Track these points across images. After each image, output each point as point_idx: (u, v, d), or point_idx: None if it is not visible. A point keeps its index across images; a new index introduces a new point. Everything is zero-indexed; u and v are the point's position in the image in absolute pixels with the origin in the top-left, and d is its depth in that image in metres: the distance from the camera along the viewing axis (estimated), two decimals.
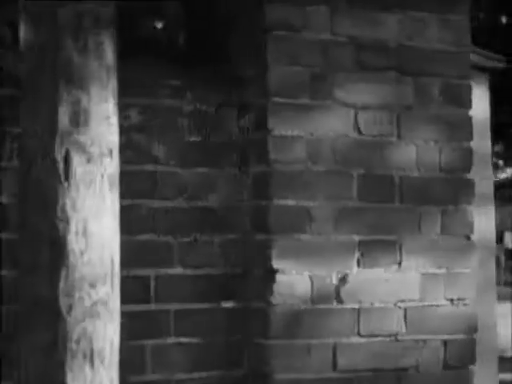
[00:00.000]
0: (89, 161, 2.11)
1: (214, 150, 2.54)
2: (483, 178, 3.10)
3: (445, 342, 2.64)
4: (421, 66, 2.67)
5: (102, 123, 2.17)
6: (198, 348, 2.48)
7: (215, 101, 2.55)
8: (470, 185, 2.72)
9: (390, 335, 2.57)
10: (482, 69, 3.03)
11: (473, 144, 2.77)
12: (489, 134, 3.27)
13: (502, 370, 11.32)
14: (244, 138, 2.56)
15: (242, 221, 2.54)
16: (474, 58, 2.93)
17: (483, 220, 3.17)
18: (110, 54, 2.20)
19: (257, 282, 2.50)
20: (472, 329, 2.69)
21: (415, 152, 2.65)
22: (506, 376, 10.94)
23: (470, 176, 2.72)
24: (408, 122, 2.64)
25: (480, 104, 3.00)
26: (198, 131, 2.52)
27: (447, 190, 2.68)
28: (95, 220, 2.13)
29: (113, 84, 2.19)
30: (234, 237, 2.54)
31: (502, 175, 11.84)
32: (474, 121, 2.78)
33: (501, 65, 3.22)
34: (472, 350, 2.68)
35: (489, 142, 3.29)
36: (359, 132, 2.58)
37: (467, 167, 2.72)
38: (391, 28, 2.64)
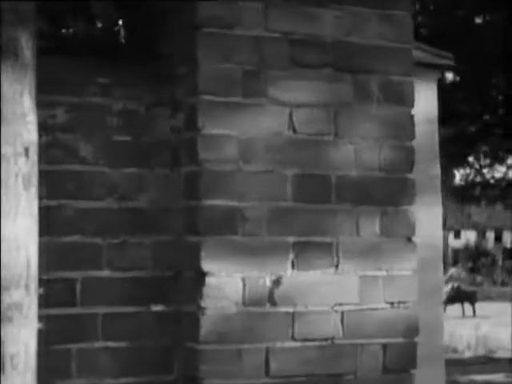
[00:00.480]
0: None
1: (145, 149, 2.48)
2: (431, 177, 3.03)
3: (384, 346, 2.58)
4: (360, 62, 2.61)
5: (16, 121, 2.11)
6: (126, 352, 2.42)
7: (147, 99, 2.49)
8: (411, 185, 2.65)
9: (326, 339, 2.51)
10: (430, 66, 2.96)
11: (420, 142, 2.71)
12: (437, 131, 3.20)
13: (494, 370, 11.28)
14: (176, 137, 2.50)
15: (173, 222, 2.48)
16: (422, 55, 2.87)
17: (430, 220, 3.10)
18: (27, 50, 2.15)
19: (188, 284, 2.44)
20: (413, 332, 2.62)
21: (353, 151, 2.58)
22: (498, 376, 10.93)
23: (411, 176, 2.65)
24: (346, 120, 2.58)
25: (429, 101, 2.95)
26: (128, 130, 2.46)
27: (387, 190, 2.62)
28: (8, 220, 2.07)
29: (30, 80, 2.13)
30: (165, 238, 2.48)
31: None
32: (421, 118, 2.72)
33: (450, 62, 3.16)
34: (413, 354, 2.62)
35: (437, 141, 3.21)
36: (294, 131, 2.51)
37: (409, 167, 2.65)
38: (328, 24, 2.57)
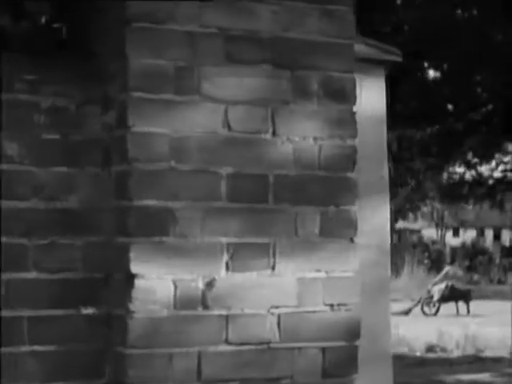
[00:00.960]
0: None
1: (75, 148, 2.41)
2: (379, 177, 2.97)
3: (323, 350, 2.51)
4: (299, 58, 2.54)
5: None
6: (55, 357, 2.35)
7: (77, 97, 2.42)
8: (353, 184, 2.59)
9: (261, 343, 2.44)
10: (378, 62, 2.90)
11: (367, 140, 2.65)
12: (385, 129, 3.13)
13: (481, 370, 11.23)
14: (107, 135, 2.43)
15: (104, 223, 2.42)
16: (370, 51, 2.80)
17: (378, 220, 3.03)
18: None
19: (118, 287, 2.37)
20: (354, 335, 2.55)
21: (292, 149, 2.51)
22: (484, 376, 10.88)
23: (353, 175, 2.59)
24: (284, 118, 2.51)
25: (376, 98, 2.88)
26: (57, 129, 2.39)
27: (327, 190, 2.55)
28: None
29: None
30: (96, 240, 2.41)
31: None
32: (369, 116, 2.65)
33: (398, 58, 3.09)
34: (354, 358, 2.55)
35: (385, 139, 3.14)
36: (229, 129, 2.45)
37: (350, 165, 2.59)
38: (265, 19, 2.50)
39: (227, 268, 2.41)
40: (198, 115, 2.42)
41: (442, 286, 23.04)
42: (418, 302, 23.00)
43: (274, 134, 2.49)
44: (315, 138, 2.54)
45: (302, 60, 2.54)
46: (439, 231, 55.90)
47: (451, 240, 54.78)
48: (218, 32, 2.45)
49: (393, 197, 31.50)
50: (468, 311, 22.27)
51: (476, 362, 11.89)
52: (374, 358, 2.84)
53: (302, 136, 2.52)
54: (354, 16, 2.62)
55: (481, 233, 62.93)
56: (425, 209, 52.38)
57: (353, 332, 2.55)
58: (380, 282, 3.02)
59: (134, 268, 2.31)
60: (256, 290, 2.44)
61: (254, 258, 2.44)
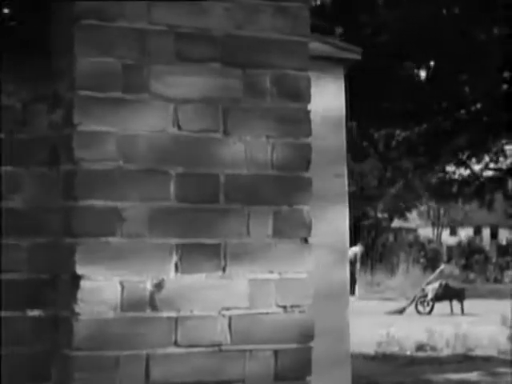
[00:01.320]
0: None
1: (20, 147, 2.37)
2: (337, 176, 2.93)
3: (276, 352, 2.47)
4: (252, 56, 2.50)
5: None
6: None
7: (26, 95, 2.39)
8: (307, 183, 2.55)
9: (212, 345, 2.40)
10: (337, 60, 2.86)
11: (325, 139, 2.61)
12: (344, 127, 3.07)
13: (469, 369, 11.19)
14: (55, 134, 2.39)
15: (51, 223, 2.38)
16: (328, 49, 2.76)
17: (335, 220, 2.99)
18: None
19: (64, 289, 2.34)
20: (308, 337, 2.52)
21: (244, 149, 2.47)
22: (472, 375, 10.85)
23: (307, 174, 2.55)
24: (236, 117, 2.47)
25: (335, 96, 2.84)
26: (2, 127, 2.36)
27: (281, 190, 2.51)
28: None
29: None
30: (42, 240, 2.37)
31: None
32: (327, 114, 2.61)
33: (357, 57, 3.05)
34: (307, 360, 2.51)
35: (344, 137, 3.09)
36: (179, 128, 2.41)
37: (304, 165, 2.55)
38: (217, 16, 2.46)
39: (176, 269, 2.38)
40: (147, 114, 2.38)
41: (436, 284, 22.98)
42: (413, 300, 22.95)
43: (225, 132, 2.45)
44: (268, 137, 2.50)
45: (254, 58, 2.51)
46: (435, 230, 55.88)
47: (448, 239, 54.78)
48: (168, 30, 2.41)
49: (381, 196, 31.39)
50: (462, 310, 22.19)
51: (466, 361, 11.85)
52: (333, 359, 2.80)
53: (255, 135, 2.49)
54: (309, 13, 2.58)
55: (478, 232, 62.92)
56: (422, 208, 52.37)
57: (306, 334, 2.51)
58: (338, 283, 2.98)
59: (80, 269, 2.27)
60: (206, 292, 2.40)
61: (204, 259, 2.41)
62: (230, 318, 2.42)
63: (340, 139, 2.92)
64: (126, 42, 2.37)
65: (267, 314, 2.47)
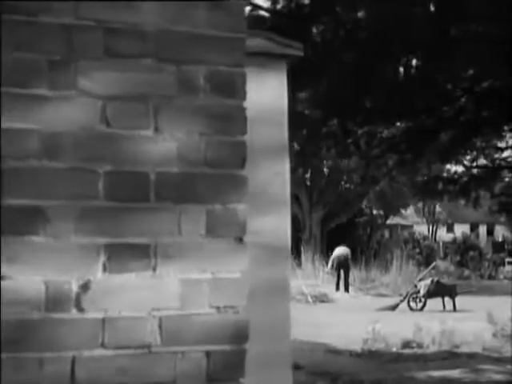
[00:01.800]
0: None
1: None
2: (277, 174, 2.87)
3: (208, 354, 2.43)
4: (185, 52, 2.45)
5: None
6: None
7: None
8: (241, 182, 2.50)
9: (141, 347, 2.36)
10: (280, 56, 2.80)
11: (267, 134, 2.56)
12: (286, 124, 3.01)
13: (453, 366, 11.14)
14: None
15: None
16: (270, 45, 2.71)
17: (277, 219, 2.94)
18: None
19: None
20: (242, 338, 2.47)
21: (176, 146, 2.43)
22: (454, 372, 10.81)
23: (242, 172, 2.50)
24: (168, 114, 2.42)
25: (277, 93, 2.78)
26: None
27: (214, 188, 2.46)
28: None
29: None
30: None
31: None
32: (269, 110, 2.56)
33: (299, 53, 3.00)
34: (241, 362, 2.47)
35: (285, 134, 3.03)
36: (108, 125, 2.36)
37: (239, 162, 2.50)
38: (149, 11, 2.41)
39: (104, 269, 2.33)
40: (74, 111, 2.33)
41: (428, 281, 22.97)
42: (405, 297, 22.94)
43: (156, 130, 2.41)
44: (201, 134, 2.46)
45: (188, 54, 2.46)
46: (430, 227, 55.86)
47: (446, 236, 54.79)
48: (96, 25, 2.36)
49: (365, 194, 31.29)
50: (454, 307, 22.18)
51: (451, 357, 11.82)
52: (272, 360, 2.75)
53: (187, 132, 2.44)
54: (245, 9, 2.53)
55: (475, 229, 62.94)
56: (419, 205, 52.29)
57: (240, 335, 2.47)
58: (278, 282, 2.92)
59: (3, 269, 2.23)
60: (135, 292, 2.36)
61: (134, 259, 2.36)
62: (160, 319, 2.38)
63: (281, 136, 2.86)
64: (52, 37, 2.32)
65: (199, 314, 2.42)
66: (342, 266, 28.48)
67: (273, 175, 2.72)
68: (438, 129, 9.50)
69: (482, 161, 11.33)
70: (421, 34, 6.98)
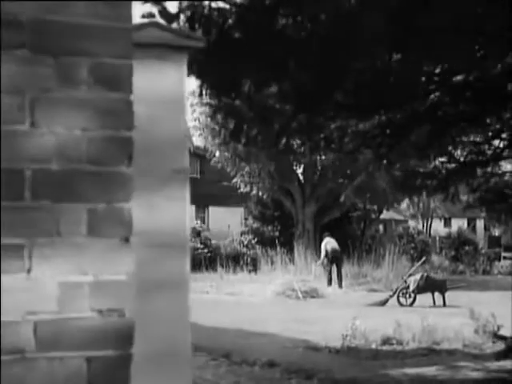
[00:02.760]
0: None
1: None
2: (176, 171, 2.76)
3: (89, 360, 2.32)
4: (66, 43, 2.33)
5: None
6: None
7: None
8: (127, 180, 2.38)
9: (13, 353, 2.24)
10: (179, 48, 2.69)
11: (165, 128, 2.45)
12: (185, 115, 2.88)
13: (430, 363, 11.00)
14: None
15: None
16: (169, 36, 2.60)
17: (174, 215, 2.83)
18: None
19: None
20: (127, 343, 2.36)
21: (55, 142, 2.31)
22: (430, 369, 10.71)
23: (128, 169, 2.39)
24: (45, 108, 2.30)
25: (176, 85, 2.67)
26: None
27: (97, 186, 2.35)
28: None
29: None
30: None
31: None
32: (167, 101, 2.45)
33: (199, 44, 2.89)
34: (126, 367, 2.36)
35: (185, 125, 2.90)
36: None
37: (125, 159, 2.38)
38: (24, 0, 2.30)
39: None
40: None
41: (418, 276, 22.86)
42: (394, 292, 22.84)
43: (32, 124, 2.29)
44: (83, 130, 2.34)
45: (69, 45, 2.34)
46: (425, 221, 55.74)
47: (442, 230, 54.68)
48: None
49: (342, 190, 31.05)
50: (444, 302, 22.09)
51: (430, 354, 11.71)
52: (171, 359, 2.64)
53: (68, 127, 2.32)
54: None
55: (473, 223, 62.84)
56: (416, 199, 52.09)
57: (125, 339, 2.36)
58: (176, 281, 2.82)
59: None
60: (8, 295, 2.24)
61: (6, 260, 2.24)
62: (35, 324, 2.26)
63: (180, 127, 2.74)
64: None
65: (79, 318, 2.31)
66: (336, 260, 28.36)
67: (171, 173, 2.61)
68: (412, 123, 9.37)
69: (461, 155, 11.18)
70: (387, 25, 6.85)
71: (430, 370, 10.24)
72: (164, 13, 3.02)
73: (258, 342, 13.10)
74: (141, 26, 2.55)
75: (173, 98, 2.60)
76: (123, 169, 2.38)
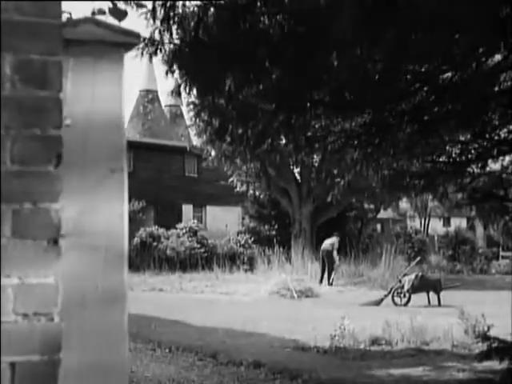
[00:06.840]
0: None
1: None
2: (113, 171, 2.69)
3: (13, 365, 2.25)
4: None
5: None
6: None
7: None
8: (54, 179, 2.32)
9: None
10: (115, 45, 2.63)
11: (100, 127, 2.38)
12: (123, 114, 2.80)
13: (417, 363, 10.90)
14: None
15: None
16: (104, 33, 2.53)
17: (111, 217, 2.76)
18: None
19: None
20: (54, 348, 2.29)
21: None
22: (417, 370, 10.63)
23: (55, 169, 2.32)
24: None
25: (112, 83, 2.61)
26: None
27: (22, 186, 2.28)
28: None
29: None
30: None
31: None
32: (102, 102, 2.38)
33: (136, 40, 2.82)
34: (53, 372, 2.29)
35: (122, 123, 2.83)
36: None
37: (52, 159, 2.32)
38: None
39: None
40: None
41: (412, 276, 22.76)
42: (389, 292, 22.76)
43: None
44: (8, 128, 2.28)
45: None
46: (423, 220, 55.64)
47: (441, 229, 54.59)
48: None
49: (329, 189, 31.00)
50: (439, 302, 21.99)
51: (418, 354, 11.63)
52: (106, 368, 2.58)
53: None
54: None
55: (472, 223, 62.79)
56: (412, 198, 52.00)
57: (52, 344, 2.29)
58: (113, 286, 2.75)
59: None
60: None
61: None
62: None
63: (118, 131, 2.67)
64: None
65: (3, 322, 2.24)
66: (327, 258, 28.32)
67: (108, 172, 2.55)
68: (398, 122, 9.30)
69: (449, 154, 11.10)
70: (363, 21, 6.78)
71: (416, 371, 10.16)
72: (113, 10, 2.97)
73: (246, 341, 13.03)
74: (76, 23, 2.49)
75: (110, 96, 2.54)
76: (50, 168, 2.31)
